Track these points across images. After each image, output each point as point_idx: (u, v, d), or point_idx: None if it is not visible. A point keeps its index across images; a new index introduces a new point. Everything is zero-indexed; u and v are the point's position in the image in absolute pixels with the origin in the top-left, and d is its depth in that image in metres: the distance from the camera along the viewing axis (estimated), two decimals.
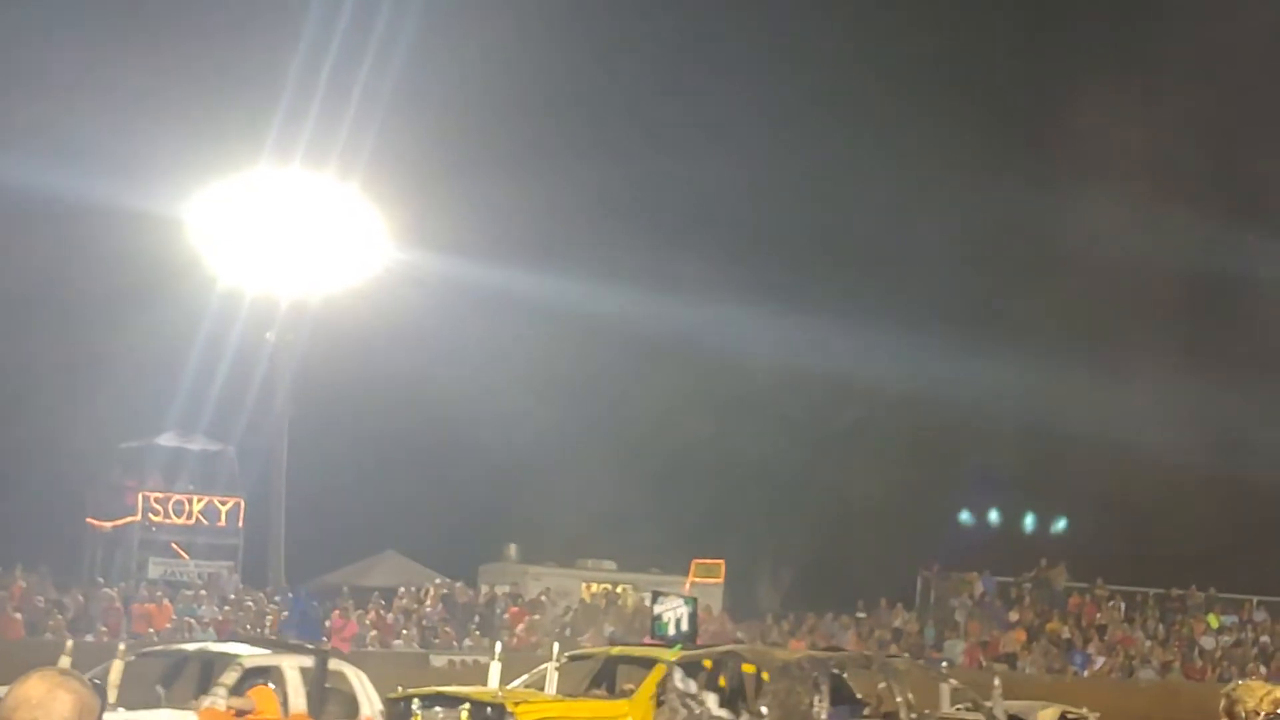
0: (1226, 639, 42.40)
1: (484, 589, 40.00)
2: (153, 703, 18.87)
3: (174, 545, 40.40)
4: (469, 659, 34.82)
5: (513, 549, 42.11)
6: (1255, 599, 45.42)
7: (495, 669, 21.32)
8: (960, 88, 47.55)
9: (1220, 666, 39.07)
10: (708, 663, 21.16)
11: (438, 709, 19.54)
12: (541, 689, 20.91)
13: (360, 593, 37.81)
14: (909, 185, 47.03)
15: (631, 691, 20.70)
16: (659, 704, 20.18)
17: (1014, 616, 41.82)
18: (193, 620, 34.55)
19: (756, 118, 46.21)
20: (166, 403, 41.30)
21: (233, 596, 36.79)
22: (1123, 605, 43.11)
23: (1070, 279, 47.12)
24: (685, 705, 19.92)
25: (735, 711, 20.44)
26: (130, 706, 17.78)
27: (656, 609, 25.33)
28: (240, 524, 40.97)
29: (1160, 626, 43.60)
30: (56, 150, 38.58)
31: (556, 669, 21.29)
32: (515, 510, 41.33)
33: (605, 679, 21.90)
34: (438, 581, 39.45)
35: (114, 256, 39.45)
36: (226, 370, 40.23)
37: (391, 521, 42.40)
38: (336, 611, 35.26)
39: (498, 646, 23.17)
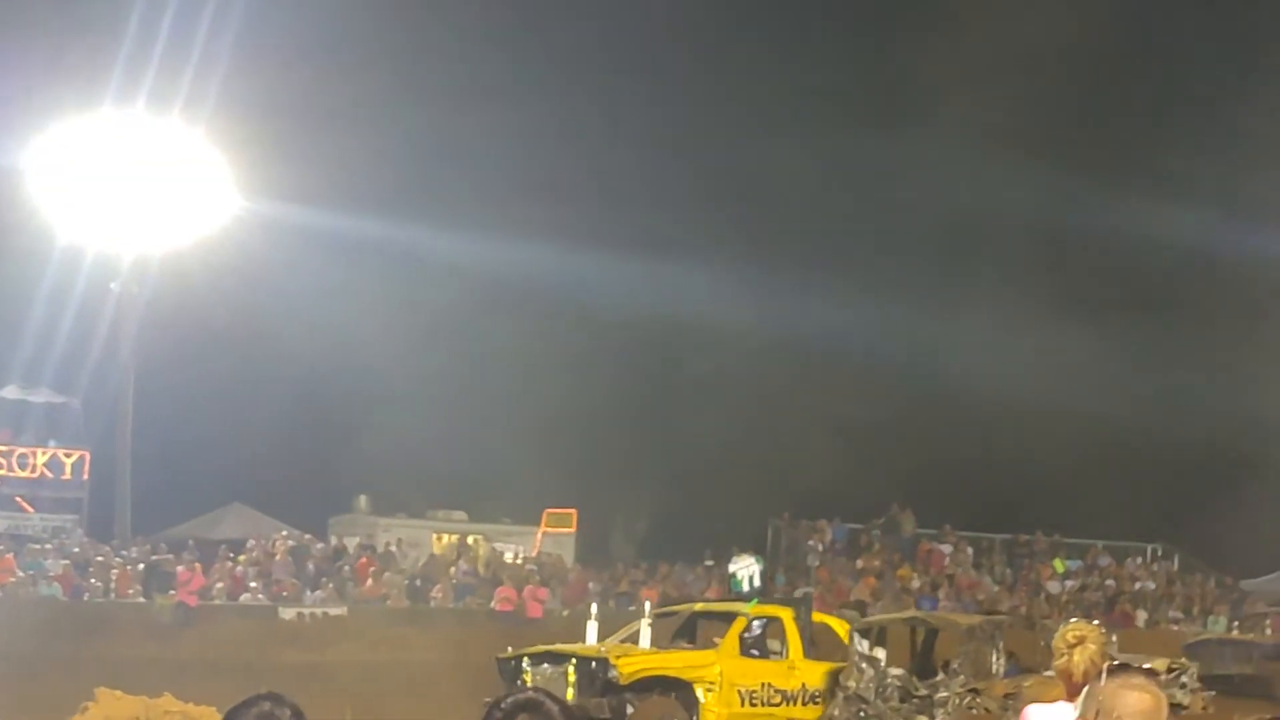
0: (1072, 583, 43.16)
1: (333, 540, 39.79)
2: None
3: (18, 499, 39.78)
4: (318, 611, 34.69)
5: (363, 500, 41.89)
6: (1100, 544, 46.33)
7: (593, 627, 23.27)
8: (807, 36, 47.80)
9: (1066, 610, 39.72)
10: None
11: (545, 665, 21.52)
12: (636, 643, 22.58)
13: (207, 545, 37.44)
14: (762, 132, 47.15)
15: (717, 643, 22.51)
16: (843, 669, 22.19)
17: (863, 563, 42.29)
18: (37, 574, 34.11)
19: (608, 63, 46.01)
20: (9, 355, 40.62)
21: (77, 550, 36.27)
22: (970, 551, 43.76)
23: (916, 225, 47.57)
24: (868, 665, 21.76)
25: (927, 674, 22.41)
26: None
27: (731, 567, 27.97)
28: (85, 477, 40.40)
29: (1008, 571, 44.34)
30: None
31: (649, 624, 22.83)
32: (366, 462, 41.04)
33: (688, 633, 23.82)
34: (285, 534, 39.17)
35: None
36: (71, 322, 39.57)
37: (239, 474, 41.97)
38: (182, 566, 34.89)
39: (594, 607, 25.38)
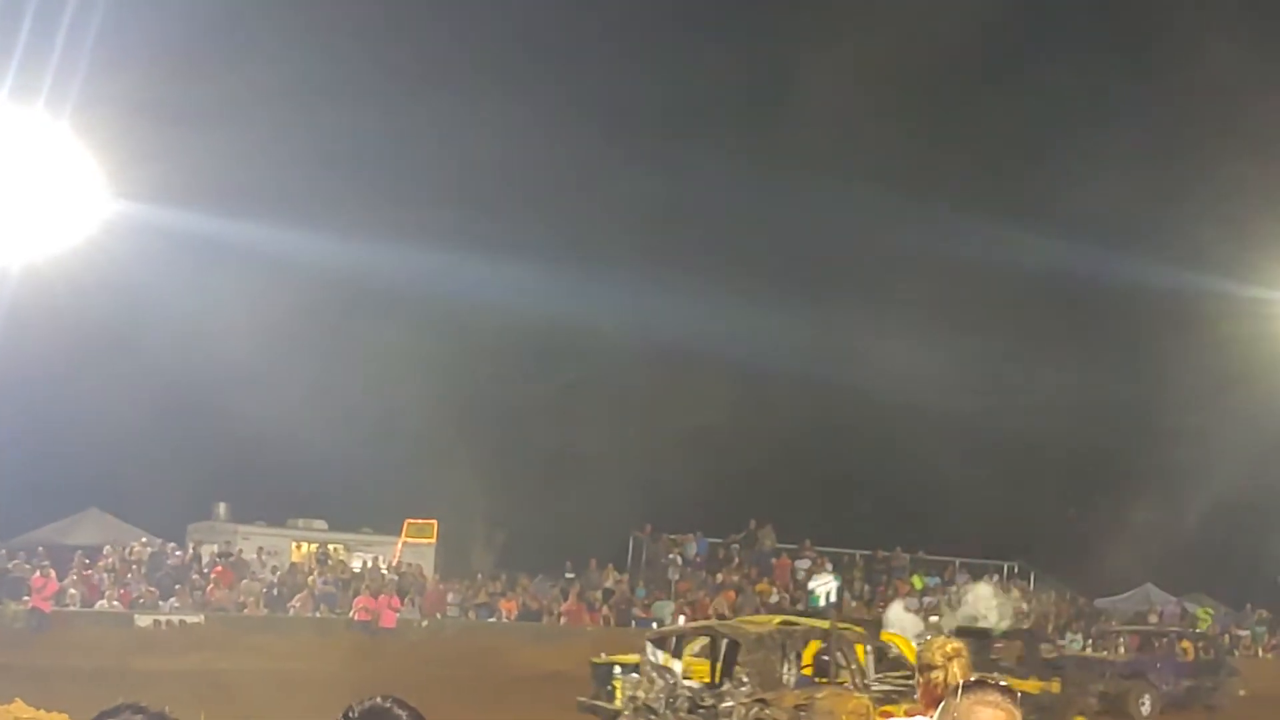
0: (930, 600, 43.70)
1: (191, 548, 39.38)
2: None
3: None
4: (175, 619, 34.40)
5: (222, 508, 41.46)
6: (958, 561, 47.01)
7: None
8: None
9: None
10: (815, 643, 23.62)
11: (635, 675, 22.03)
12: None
13: (62, 551, 36.94)
14: (645, 133, 47.15)
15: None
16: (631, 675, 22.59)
17: (723, 577, 42.57)
18: None
19: (488, 60, 45.82)
20: None
21: None
22: (829, 566, 44.18)
23: (789, 237, 47.80)
24: (659, 675, 21.91)
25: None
26: None
27: (811, 584, 30.60)
28: None
29: (866, 587, 44.84)
30: None
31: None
32: (225, 469, 40.64)
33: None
34: (143, 540, 38.74)
35: None
36: None
37: (97, 479, 41.35)
38: (37, 572, 34.40)
39: (654, 625, 27.25)
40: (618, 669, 22.71)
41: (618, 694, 22.04)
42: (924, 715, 6.89)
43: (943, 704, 4.58)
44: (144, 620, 34.23)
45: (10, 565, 35.07)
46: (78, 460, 40.60)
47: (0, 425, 38.69)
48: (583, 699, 23.08)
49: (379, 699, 4.33)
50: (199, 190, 39.67)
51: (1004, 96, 47.81)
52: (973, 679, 4.62)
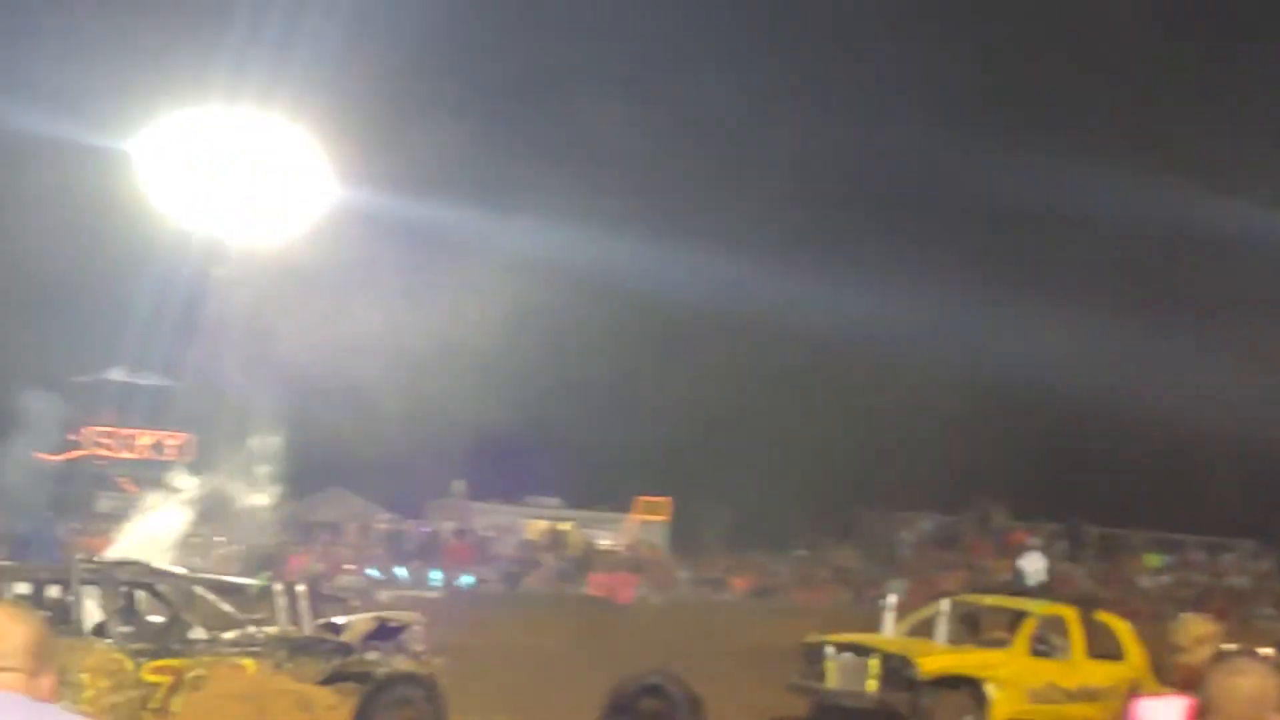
0: (1165, 579, 43.05)
1: (429, 525, 40.32)
2: None
3: (121, 480, 40.57)
4: (412, 594, 35.18)
5: (460, 486, 42.35)
6: (1193, 539, 46.15)
7: (890, 616, 23.32)
8: None
9: (1158, 606, 39.70)
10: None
11: (849, 655, 21.46)
12: (929, 637, 22.67)
13: (308, 527, 38.10)
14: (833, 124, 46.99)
15: (1004, 641, 22.47)
16: None
17: (953, 555, 42.36)
18: None
19: (696, 56, 46.01)
20: (115, 338, 41.27)
21: None
22: (1037, 543, 43.76)
23: (1009, 222, 47.29)
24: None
25: None
26: None
27: (1019, 563, 29.42)
28: (189, 459, 41.05)
29: (1100, 565, 44.26)
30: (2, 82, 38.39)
31: (945, 617, 22.86)
32: (463, 449, 41.38)
33: (969, 627, 23.58)
34: (385, 517, 39.76)
35: (62, 190, 39.28)
36: (177, 306, 40.17)
37: (340, 459, 42.42)
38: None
39: (891, 598, 24.69)
40: (829, 648, 21.88)
41: (829, 675, 21.60)
42: (1178, 697, 6.88)
43: (1200, 684, 4.58)
44: (384, 596, 35.04)
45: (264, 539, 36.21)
46: (323, 440, 41.73)
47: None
48: (793, 680, 22.30)
49: (651, 676, 4.28)
50: (437, 180, 40.43)
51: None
52: (1226, 651, 4.57)
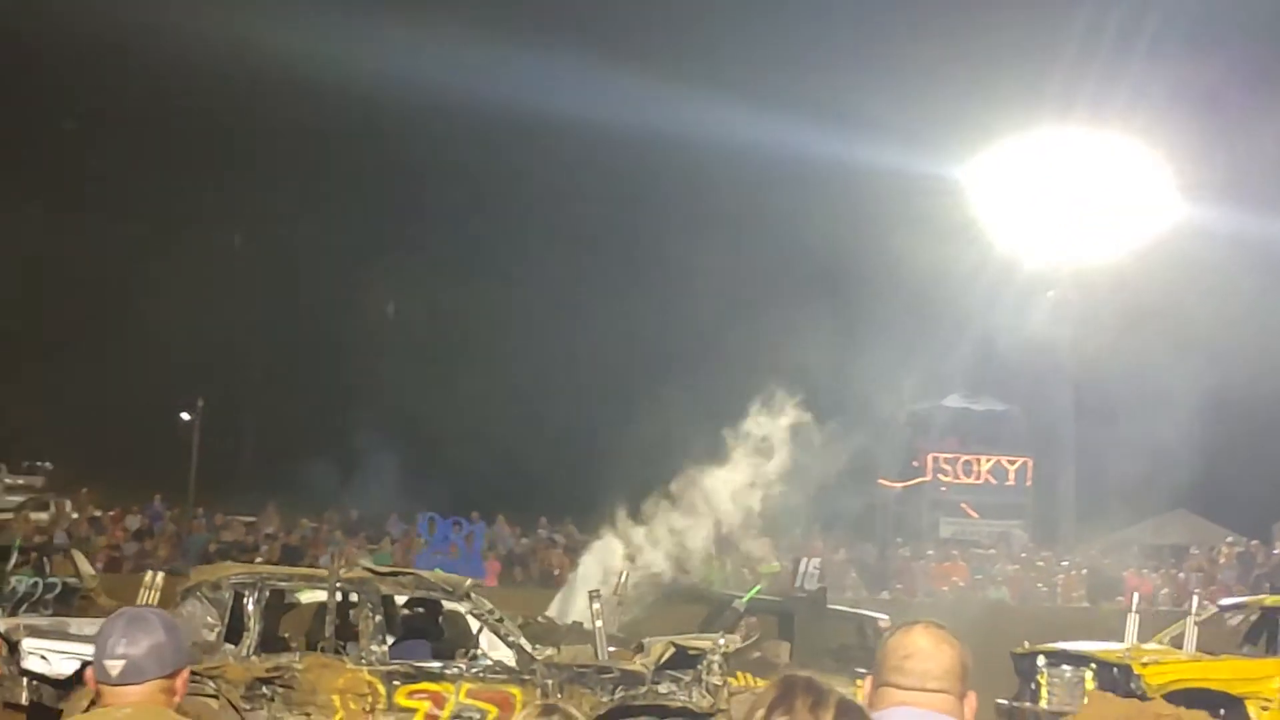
0: None
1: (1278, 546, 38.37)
2: None
3: (963, 505, 41.11)
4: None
5: None
6: None
7: (1133, 621, 19.71)
8: None
9: None
10: None
11: (1064, 667, 18.83)
12: (1181, 645, 19.24)
13: (1151, 551, 37.19)
14: None
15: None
16: None
17: None
18: (984, 579, 34.89)
19: None
20: (951, 364, 41.78)
21: (1023, 555, 36.86)
22: None
23: None
24: None
25: None
26: None
27: None
28: (1028, 483, 41.17)
29: None
30: (845, 118, 39.73)
31: (1197, 623, 19.36)
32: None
33: (1259, 633, 19.84)
34: (1230, 540, 38.20)
35: (898, 219, 40.11)
36: (1009, 331, 40.25)
37: (1183, 479, 41.12)
38: (1127, 571, 34.80)
39: (1135, 597, 21.34)
40: (1042, 659, 18.55)
41: (1042, 692, 18.41)
42: None
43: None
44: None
45: (1105, 563, 35.69)
46: (1164, 460, 40.68)
47: (1087, 427, 39.58)
48: (1001, 700, 18.70)
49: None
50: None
51: None
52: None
